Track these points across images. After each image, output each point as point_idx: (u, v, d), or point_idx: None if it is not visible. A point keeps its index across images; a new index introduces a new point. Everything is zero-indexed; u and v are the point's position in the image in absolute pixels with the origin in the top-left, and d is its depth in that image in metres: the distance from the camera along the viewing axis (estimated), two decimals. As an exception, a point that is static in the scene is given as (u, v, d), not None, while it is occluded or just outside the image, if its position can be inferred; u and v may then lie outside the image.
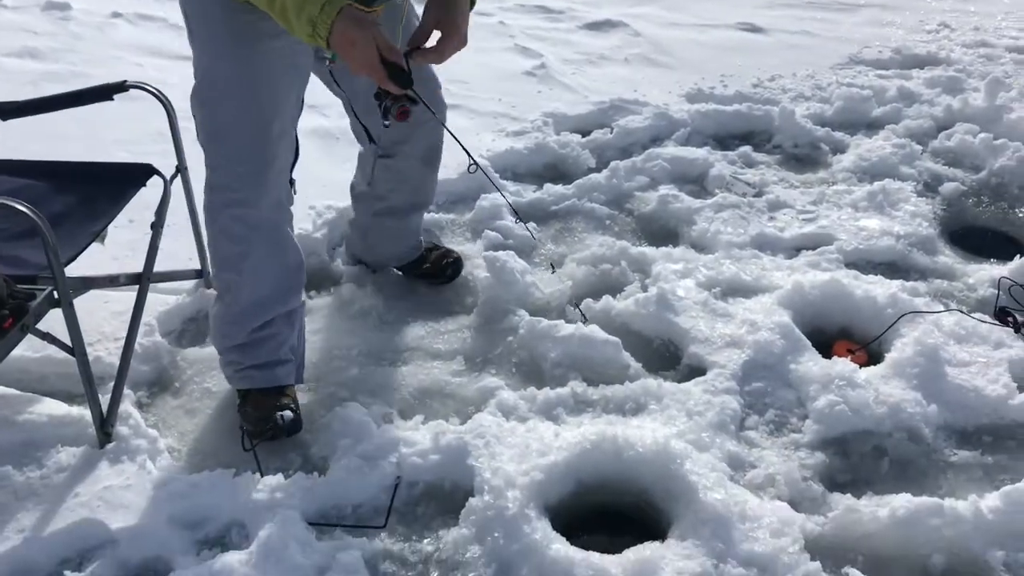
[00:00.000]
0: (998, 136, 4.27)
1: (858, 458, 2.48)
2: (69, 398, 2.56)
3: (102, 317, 2.86)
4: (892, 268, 3.38)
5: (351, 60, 1.98)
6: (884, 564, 2.15)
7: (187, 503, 2.22)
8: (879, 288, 3.06)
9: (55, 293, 2.20)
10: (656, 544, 2.11)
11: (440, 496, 2.32)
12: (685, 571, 2.03)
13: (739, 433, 2.52)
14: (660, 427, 2.45)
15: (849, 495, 2.31)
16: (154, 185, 2.75)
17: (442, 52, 2.24)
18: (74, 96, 2.71)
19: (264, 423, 2.43)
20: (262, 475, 2.31)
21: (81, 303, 2.86)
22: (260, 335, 2.47)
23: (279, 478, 2.29)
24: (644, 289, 3.10)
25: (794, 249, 3.45)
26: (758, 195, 3.85)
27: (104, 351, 2.71)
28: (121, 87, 2.70)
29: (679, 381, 2.69)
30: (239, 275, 2.42)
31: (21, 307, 2.11)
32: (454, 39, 2.23)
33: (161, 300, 2.98)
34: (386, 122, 2.17)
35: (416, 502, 2.30)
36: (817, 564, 2.07)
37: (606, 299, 3.04)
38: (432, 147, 2.85)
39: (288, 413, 2.43)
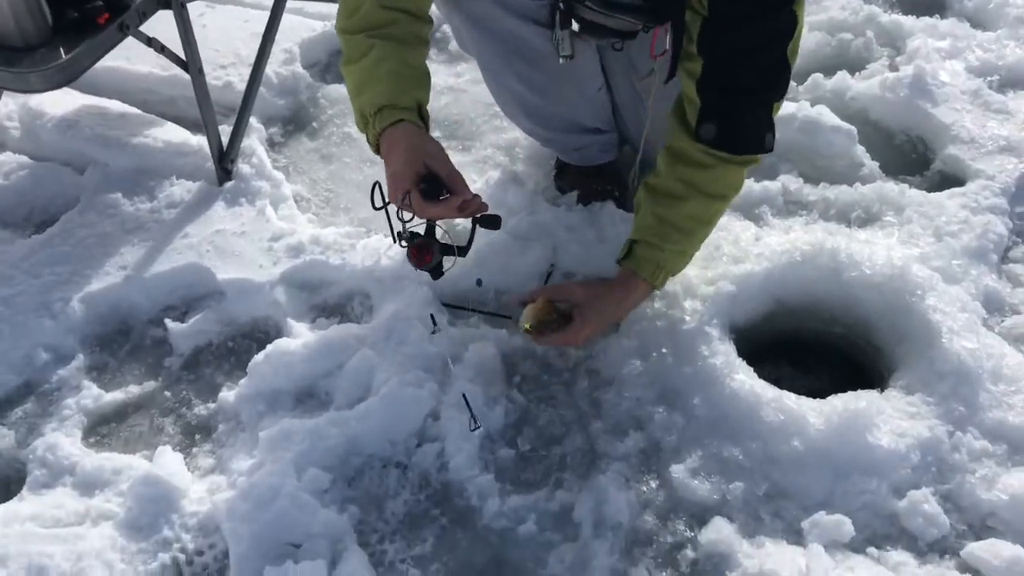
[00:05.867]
0: None
1: None
2: (195, 126, 2.25)
3: (239, 38, 2.49)
4: None
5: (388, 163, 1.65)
6: None
7: (306, 261, 1.91)
8: None
9: (163, -10, 1.82)
10: (872, 394, 1.64)
11: (600, 293, 1.90)
12: (908, 434, 1.56)
13: (1001, 266, 1.96)
14: (897, 245, 1.92)
15: None
16: None
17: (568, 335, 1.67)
18: None
19: None
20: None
21: (214, 20, 2.53)
22: None
23: (415, 248, 1.92)
24: (894, 69, 2.47)
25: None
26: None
27: (237, 76, 2.36)
28: None
29: (928, 190, 2.11)
30: None
31: (120, 2, 1.73)
32: (587, 327, 1.67)
33: (307, 26, 2.59)
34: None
35: (571, 296, 1.89)
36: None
37: (842, 76, 2.42)
38: None
39: None
